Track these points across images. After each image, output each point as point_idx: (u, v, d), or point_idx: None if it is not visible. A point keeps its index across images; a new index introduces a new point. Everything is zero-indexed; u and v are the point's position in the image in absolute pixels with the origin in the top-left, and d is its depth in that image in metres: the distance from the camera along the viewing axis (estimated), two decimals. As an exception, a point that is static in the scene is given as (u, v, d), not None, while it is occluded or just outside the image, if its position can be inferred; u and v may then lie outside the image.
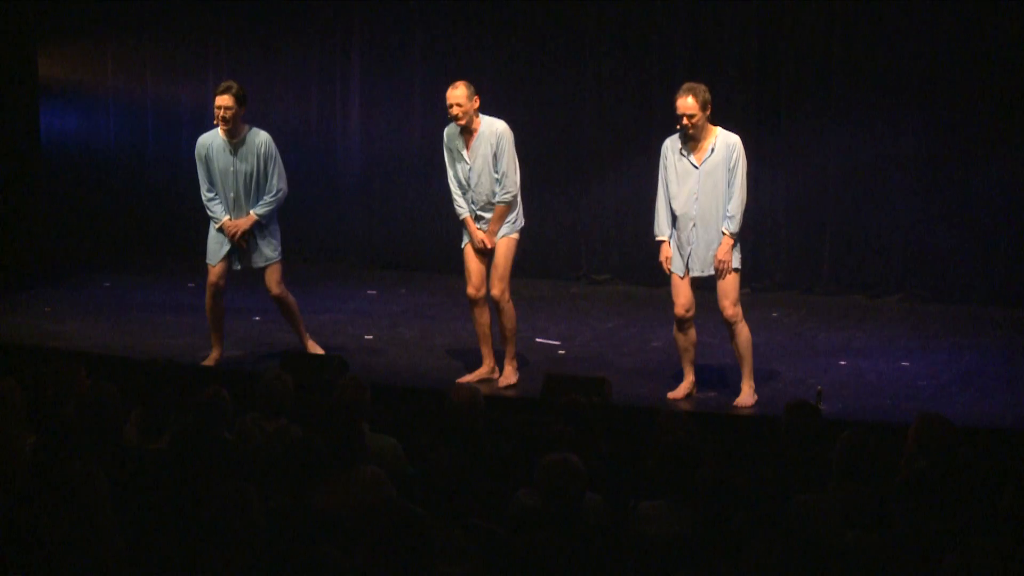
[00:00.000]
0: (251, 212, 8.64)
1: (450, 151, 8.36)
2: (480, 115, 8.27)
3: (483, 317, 8.44)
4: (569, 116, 11.84)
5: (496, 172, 8.24)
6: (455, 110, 8.18)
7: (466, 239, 8.43)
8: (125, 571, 4.66)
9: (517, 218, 8.41)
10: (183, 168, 13.19)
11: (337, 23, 12.62)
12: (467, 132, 8.25)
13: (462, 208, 8.36)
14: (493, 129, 8.25)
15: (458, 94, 8.17)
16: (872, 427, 6.76)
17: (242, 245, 8.66)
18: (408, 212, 12.48)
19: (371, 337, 9.75)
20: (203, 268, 8.82)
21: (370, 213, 12.67)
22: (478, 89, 8.33)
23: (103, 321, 10.17)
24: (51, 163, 13.17)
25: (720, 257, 7.85)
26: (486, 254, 8.40)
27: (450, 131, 8.36)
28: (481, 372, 8.47)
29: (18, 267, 11.96)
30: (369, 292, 11.45)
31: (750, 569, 4.81)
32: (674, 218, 7.94)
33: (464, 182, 8.31)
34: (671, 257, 7.96)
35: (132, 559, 4.72)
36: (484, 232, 8.32)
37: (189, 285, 11.54)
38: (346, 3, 12.57)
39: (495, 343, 8.52)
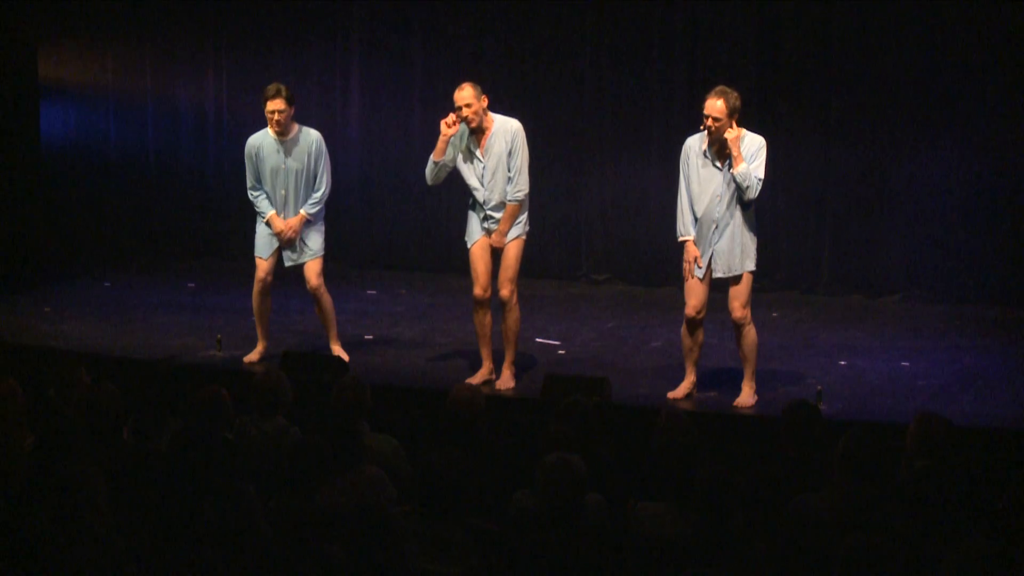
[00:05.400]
0: (301, 211, 8.79)
1: (457, 148, 8.23)
2: (491, 113, 8.19)
3: (486, 318, 8.38)
4: (569, 115, 11.83)
5: (509, 170, 8.17)
6: (465, 111, 8.03)
7: (473, 238, 8.36)
8: (125, 571, 4.66)
9: (525, 220, 8.35)
10: (183, 168, 13.23)
11: (337, 23, 12.60)
12: (479, 131, 8.15)
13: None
14: (507, 127, 8.16)
15: (466, 95, 8.04)
16: (872, 427, 6.76)
17: (292, 242, 8.81)
18: (408, 212, 12.46)
19: (371, 337, 9.74)
20: (202, 268, 8.82)
21: (370, 213, 12.66)
22: (478, 89, 8.30)
23: (103, 321, 10.16)
24: (51, 163, 13.16)
25: None
26: (494, 255, 8.36)
27: (461, 130, 8.21)
28: (480, 375, 8.41)
29: (18, 267, 11.95)
30: (369, 292, 11.43)
31: (750, 569, 4.81)
32: (694, 219, 7.91)
33: (478, 182, 8.23)
34: (699, 257, 7.89)
35: (132, 559, 4.72)
36: (494, 232, 8.27)
37: (189, 285, 11.53)
38: (346, 3, 12.56)
39: (495, 345, 8.51)
